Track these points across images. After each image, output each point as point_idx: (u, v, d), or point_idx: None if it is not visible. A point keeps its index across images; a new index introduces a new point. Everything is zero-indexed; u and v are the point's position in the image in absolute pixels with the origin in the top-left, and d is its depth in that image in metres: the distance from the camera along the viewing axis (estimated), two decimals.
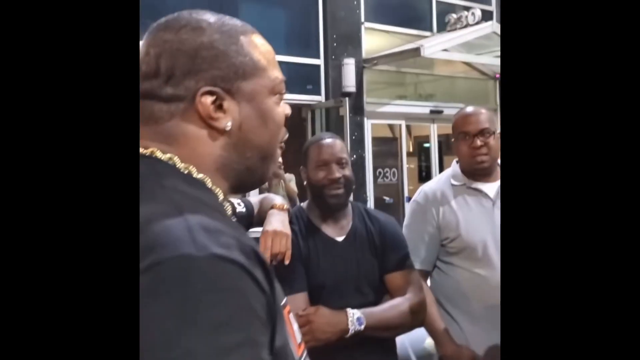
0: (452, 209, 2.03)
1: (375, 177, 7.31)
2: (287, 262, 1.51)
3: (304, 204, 1.88)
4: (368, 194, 7.08)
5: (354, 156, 6.86)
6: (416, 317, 1.73)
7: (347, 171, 1.77)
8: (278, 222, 1.53)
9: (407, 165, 7.71)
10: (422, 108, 7.81)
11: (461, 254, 2.00)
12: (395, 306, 1.70)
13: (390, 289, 1.76)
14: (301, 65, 6.89)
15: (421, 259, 2.04)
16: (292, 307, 0.90)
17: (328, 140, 1.80)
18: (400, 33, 7.55)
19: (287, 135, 1.30)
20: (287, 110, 0.84)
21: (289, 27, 6.97)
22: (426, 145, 8.14)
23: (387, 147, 7.77)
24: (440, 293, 2.05)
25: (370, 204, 7.03)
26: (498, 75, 8.05)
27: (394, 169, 7.58)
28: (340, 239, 1.77)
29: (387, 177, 7.50)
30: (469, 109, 2.10)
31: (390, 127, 7.80)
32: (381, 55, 7.21)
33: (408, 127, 7.85)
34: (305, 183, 1.85)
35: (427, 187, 2.15)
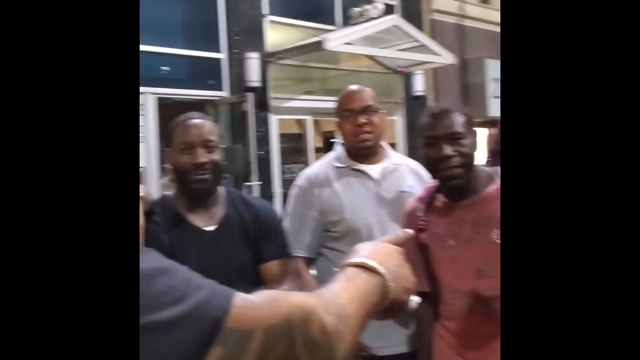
0: (336, 192, 1.94)
1: (283, 173, 7.17)
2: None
3: (170, 193, 1.70)
4: (275, 190, 6.92)
5: (263, 152, 6.70)
6: None
7: (216, 155, 1.62)
8: None
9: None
10: (330, 103, 7.75)
11: (345, 239, 1.90)
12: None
13: (266, 280, 1.63)
14: (202, 60, 6.62)
15: (305, 246, 1.93)
16: None
17: (195, 121, 1.64)
18: (304, 27, 7.44)
19: None
20: None
21: (189, 21, 6.68)
22: (333, 140, 8.10)
23: (294, 143, 7.64)
24: (326, 281, 1.94)
25: (278, 200, 6.90)
26: (400, 69, 8.13)
27: (302, 165, 7.48)
28: (209, 228, 1.61)
29: (294, 173, 7.38)
30: (353, 86, 2.04)
31: (298, 122, 7.68)
32: (285, 49, 7.07)
33: (316, 123, 7.77)
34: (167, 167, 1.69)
35: (309, 170, 2.05)
